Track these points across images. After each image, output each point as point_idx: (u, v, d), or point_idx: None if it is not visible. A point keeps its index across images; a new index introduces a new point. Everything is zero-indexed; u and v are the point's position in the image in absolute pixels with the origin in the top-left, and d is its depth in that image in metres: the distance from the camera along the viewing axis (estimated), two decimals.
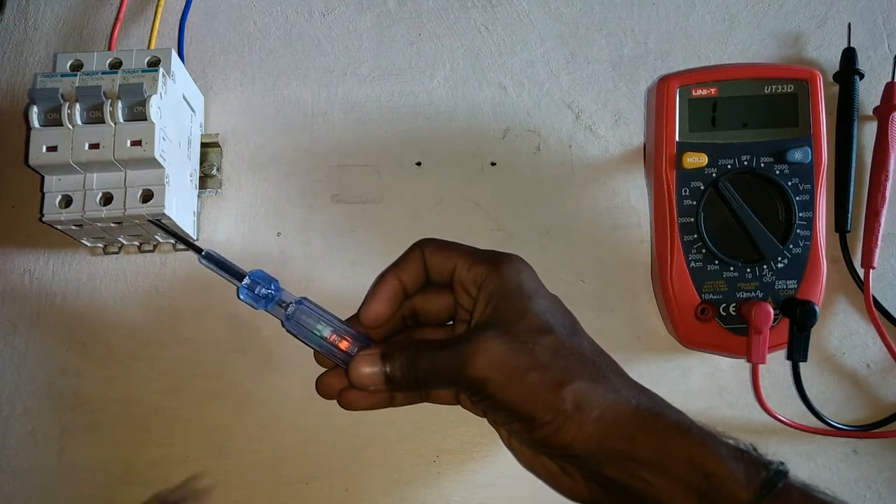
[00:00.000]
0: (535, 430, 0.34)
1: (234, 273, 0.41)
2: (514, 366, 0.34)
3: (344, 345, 0.39)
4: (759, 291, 0.43)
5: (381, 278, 0.40)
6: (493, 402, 0.35)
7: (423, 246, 0.40)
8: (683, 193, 0.44)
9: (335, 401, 0.40)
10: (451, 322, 0.42)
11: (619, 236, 0.48)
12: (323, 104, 0.50)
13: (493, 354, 0.34)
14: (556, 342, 0.35)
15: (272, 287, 0.40)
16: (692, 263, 0.44)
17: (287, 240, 0.48)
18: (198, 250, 0.42)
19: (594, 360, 0.36)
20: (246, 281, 0.40)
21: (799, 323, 0.42)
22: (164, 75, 0.42)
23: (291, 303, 0.40)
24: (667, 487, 0.33)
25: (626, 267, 0.47)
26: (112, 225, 0.42)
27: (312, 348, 0.41)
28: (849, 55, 0.49)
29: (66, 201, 0.41)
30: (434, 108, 0.50)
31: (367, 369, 0.37)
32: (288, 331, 0.40)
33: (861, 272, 0.47)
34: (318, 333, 0.39)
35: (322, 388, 0.40)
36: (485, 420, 0.41)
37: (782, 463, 0.33)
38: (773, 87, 0.44)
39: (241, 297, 0.40)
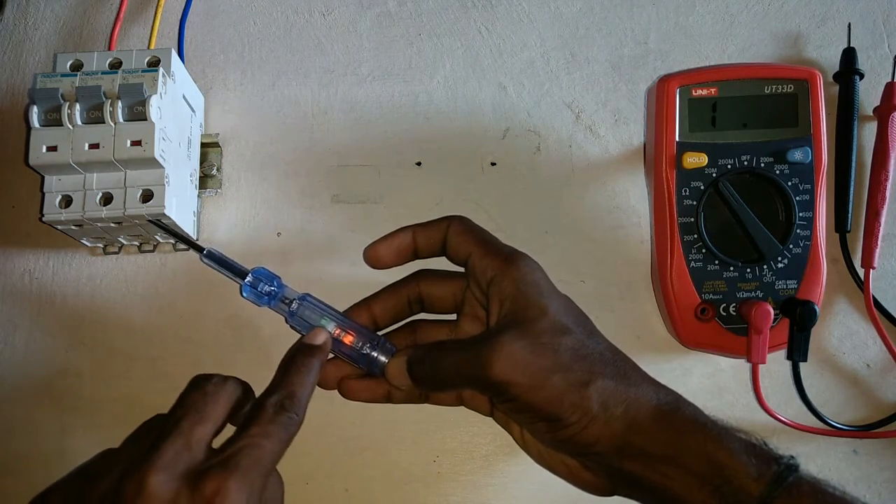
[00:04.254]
0: (560, 430, 0.34)
1: (236, 271, 0.41)
2: (537, 368, 0.34)
3: (348, 339, 0.39)
4: (759, 291, 0.43)
5: (399, 230, 0.41)
6: (517, 404, 0.35)
7: (450, 221, 0.40)
8: (683, 193, 0.44)
9: (334, 398, 0.40)
10: (455, 315, 0.42)
11: (619, 236, 0.48)
12: (323, 104, 0.50)
13: (516, 357, 0.34)
14: (576, 342, 0.35)
15: (275, 284, 0.40)
16: (692, 263, 0.44)
17: (287, 240, 0.48)
18: (199, 249, 0.42)
19: (613, 358, 0.36)
20: (248, 278, 0.40)
21: (799, 323, 0.42)
22: (164, 75, 0.42)
23: (295, 299, 0.40)
24: (682, 480, 0.33)
25: (626, 267, 0.47)
26: (112, 225, 0.42)
27: None
28: (849, 55, 0.49)
29: (66, 201, 0.41)
30: (434, 107, 0.50)
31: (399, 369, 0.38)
32: (292, 327, 0.40)
33: (861, 272, 0.47)
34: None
35: (321, 379, 0.40)
36: (484, 420, 0.41)
37: (793, 457, 0.33)
38: (773, 87, 0.44)
39: (244, 294, 0.40)
